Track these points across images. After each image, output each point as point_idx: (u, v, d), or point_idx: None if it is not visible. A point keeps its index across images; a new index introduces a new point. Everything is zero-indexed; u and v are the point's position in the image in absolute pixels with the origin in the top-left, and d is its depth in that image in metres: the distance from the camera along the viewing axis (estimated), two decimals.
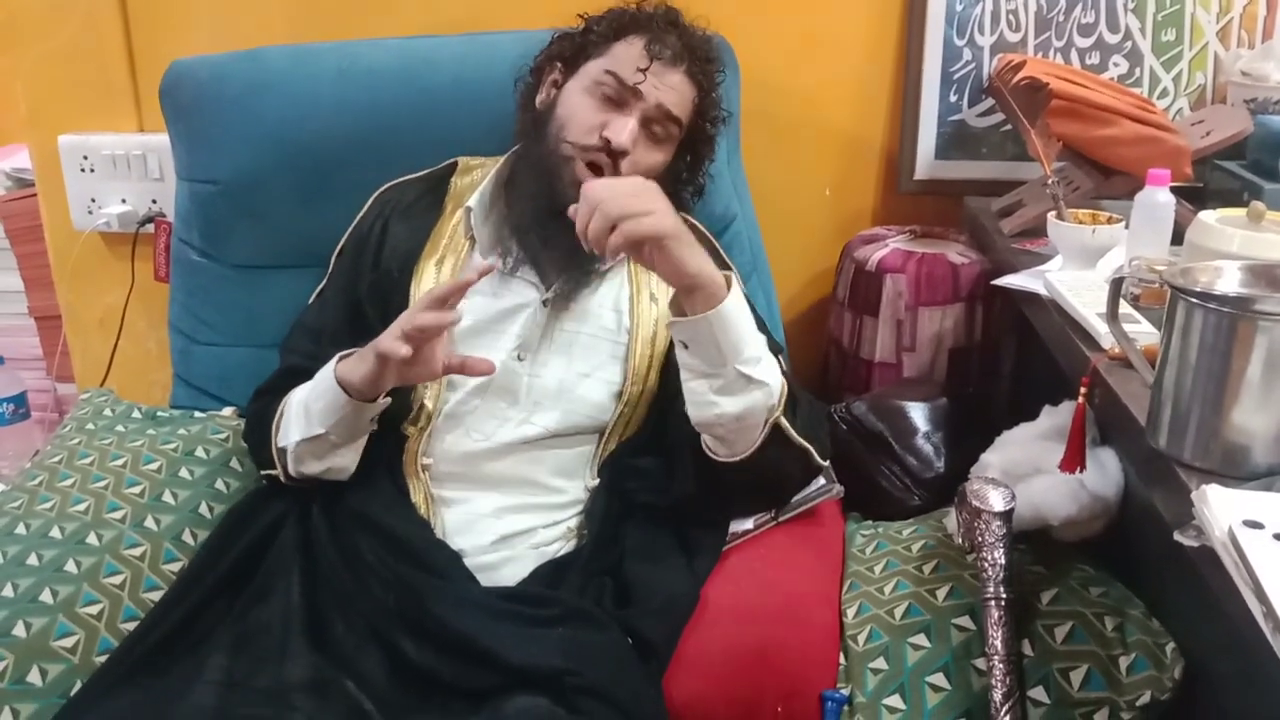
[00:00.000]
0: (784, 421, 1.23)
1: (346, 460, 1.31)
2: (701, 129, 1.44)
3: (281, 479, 1.34)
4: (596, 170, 1.33)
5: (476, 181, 1.46)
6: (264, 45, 1.70)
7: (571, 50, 1.40)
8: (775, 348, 1.42)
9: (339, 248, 1.49)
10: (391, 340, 1.18)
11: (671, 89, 1.35)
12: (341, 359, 1.27)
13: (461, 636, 1.14)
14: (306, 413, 1.28)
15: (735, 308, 1.18)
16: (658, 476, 1.33)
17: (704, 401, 1.21)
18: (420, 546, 1.26)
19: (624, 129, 1.32)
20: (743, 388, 1.19)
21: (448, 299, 1.19)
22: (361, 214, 1.50)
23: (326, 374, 1.27)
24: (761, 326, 1.43)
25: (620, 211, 1.12)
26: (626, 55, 1.35)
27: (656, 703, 1.14)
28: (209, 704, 1.10)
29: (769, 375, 1.21)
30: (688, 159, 1.46)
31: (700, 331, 1.18)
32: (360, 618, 1.19)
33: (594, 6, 1.45)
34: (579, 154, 1.33)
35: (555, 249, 1.33)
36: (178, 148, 1.70)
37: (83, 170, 1.91)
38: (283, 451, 1.32)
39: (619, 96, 1.34)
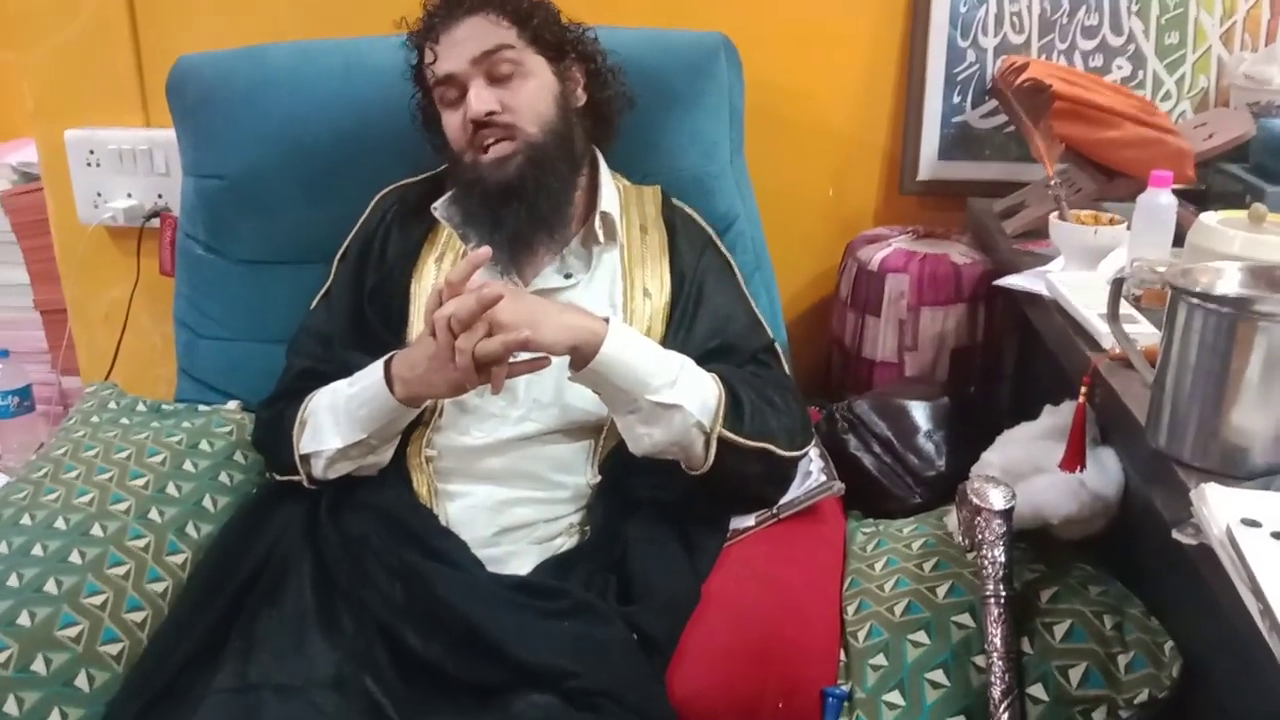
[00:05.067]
0: (726, 434, 1.26)
1: (384, 457, 1.34)
2: (537, 33, 1.39)
3: (305, 484, 1.35)
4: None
5: None
6: (270, 42, 1.70)
7: (421, 78, 1.45)
8: (769, 347, 1.43)
9: (341, 251, 1.50)
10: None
11: (463, 41, 1.36)
12: (388, 365, 1.28)
13: (470, 628, 1.14)
14: (350, 419, 1.29)
15: (617, 350, 1.21)
16: (662, 472, 1.34)
17: (634, 435, 1.26)
18: (427, 533, 1.27)
19: (471, 107, 1.35)
20: (662, 416, 1.23)
21: (460, 284, 1.20)
22: (364, 218, 1.51)
23: (373, 382, 1.28)
24: (756, 326, 1.44)
25: (472, 341, 1.16)
26: (431, 54, 1.39)
27: (663, 700, 1.14)
28: (225, 712, 1.10)
29: (684, 396, 1.24)
30: (570, 59, 1.43)
31: (596, 381, 1.23)
32: (366, 611, 1.20)
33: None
34: (477, 153, 1.37)
35: (506, 230, 1.36)
36: (184, 143, 1.70)
37: (89, 165, 1.92)
38: (306, 459, 1.33)
39: (452, 90, 1.38)
